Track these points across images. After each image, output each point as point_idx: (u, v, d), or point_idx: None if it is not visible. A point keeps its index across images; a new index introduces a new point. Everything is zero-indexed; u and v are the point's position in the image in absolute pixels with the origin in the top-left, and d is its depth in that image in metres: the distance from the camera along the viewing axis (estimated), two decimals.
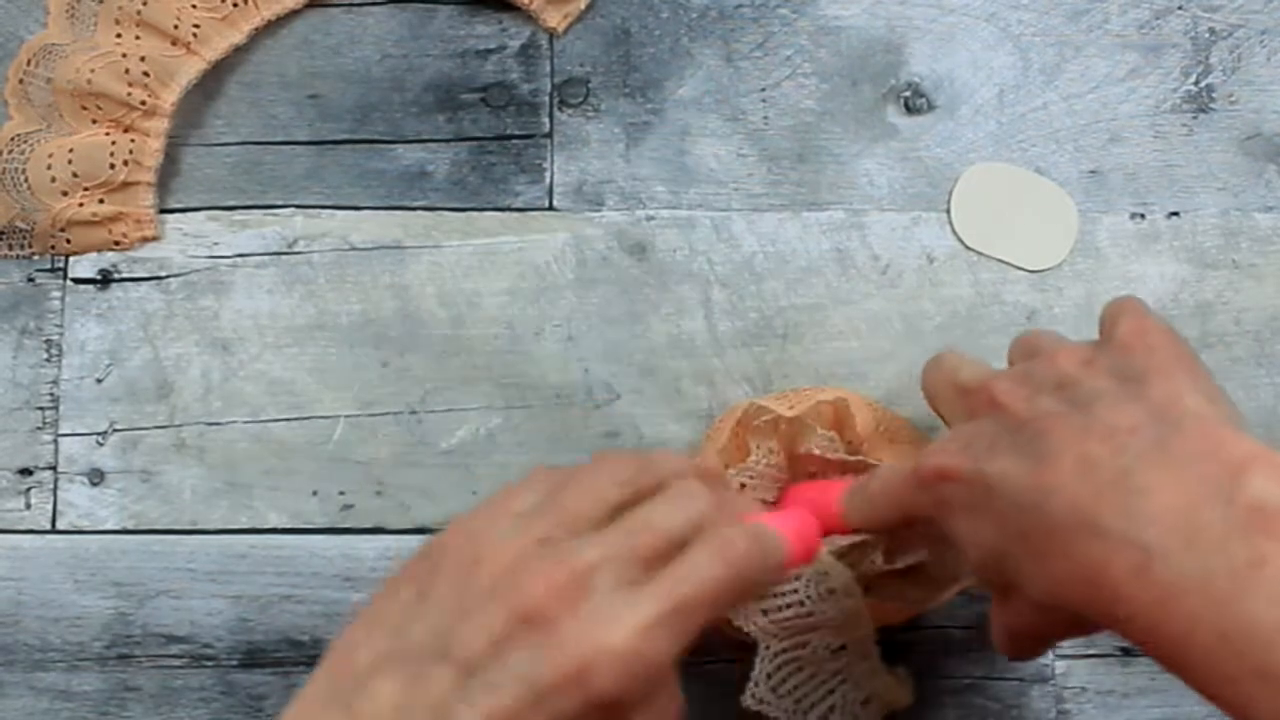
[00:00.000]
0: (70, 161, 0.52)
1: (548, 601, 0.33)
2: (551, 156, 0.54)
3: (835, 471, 0.47)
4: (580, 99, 0.55)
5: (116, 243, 0.53)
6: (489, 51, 0.55)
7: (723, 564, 0.35)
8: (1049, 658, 0.51)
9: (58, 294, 0.53)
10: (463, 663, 0.33)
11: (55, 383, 0.53)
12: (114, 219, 0.53)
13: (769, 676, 0.44)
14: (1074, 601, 0.35)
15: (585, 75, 0.55)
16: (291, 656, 0.51)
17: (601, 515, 0.36)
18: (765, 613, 0.45)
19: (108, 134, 0.53)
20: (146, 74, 0.52)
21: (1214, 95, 0.55)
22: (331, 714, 0.33)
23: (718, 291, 0.53)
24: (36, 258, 0.53)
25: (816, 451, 0.46)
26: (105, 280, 0.53)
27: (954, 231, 0.54)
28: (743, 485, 0.46)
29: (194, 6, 0.53)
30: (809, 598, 0.44)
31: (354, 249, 0.54)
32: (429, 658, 0.33)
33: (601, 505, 0.36)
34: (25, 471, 0.52)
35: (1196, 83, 0.55)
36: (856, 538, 0.45)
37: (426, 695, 0.32)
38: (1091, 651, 0.52)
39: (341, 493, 0.52)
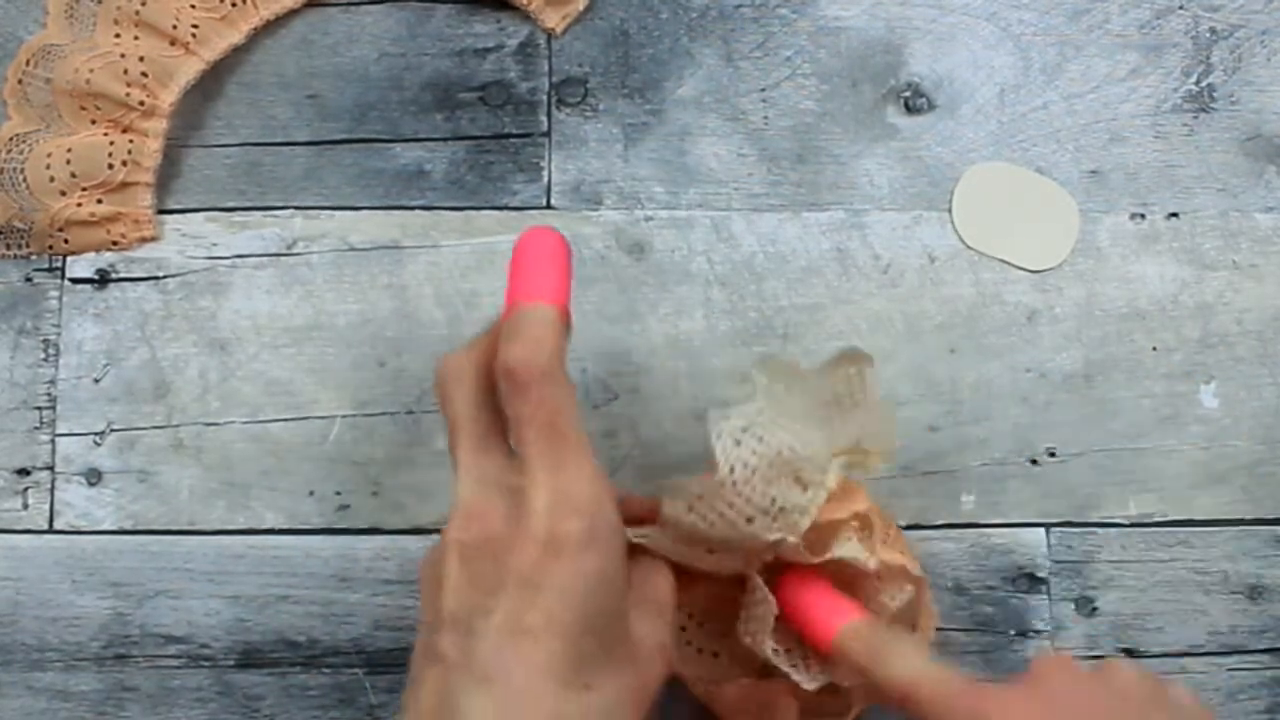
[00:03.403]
0: (69, 161, 0.52)
1: None
2: (549, 155, 0.54)
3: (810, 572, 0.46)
4: (579, 99, 0.55)
5: (115, 243, 0.53)
6: (487, 50, 0.55)
7: None
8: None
9: (55, 294, 0.53)
10: None
11: (52, 382, 0.53)
12: (112, 219, 0.53)
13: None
14: None
15: (584, 75, 0.55)
16: (288, 657, 0.51)
17: None
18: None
19: (106, 134, 0.53)
20: (145, 74, 0.52)
21: (1215, 95, 0.55)
22: None
23: (717, 291, 0.53)
24: (34, 257, 0.53)
25: (844, 557, 0.44)
26: (103, 280, 0.53)
27: (955, 231, 0.54)
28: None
29: (192, 7, 0.53)
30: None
31: (352, 249, 0.54)
32: None
33: None
34: (22, 471, 0.52)
35: (1197, 83, 0.55)
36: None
37: None
38: (1093, 653, 0.51)
39: (338, 493, 0.52)
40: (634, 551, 0.42)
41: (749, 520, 0.41)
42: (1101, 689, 0.41)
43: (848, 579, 0.45)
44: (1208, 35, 0.55)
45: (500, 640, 0.36)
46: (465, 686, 0.36)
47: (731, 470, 0.41)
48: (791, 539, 0.42)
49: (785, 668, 0.44)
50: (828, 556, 0.44)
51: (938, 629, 0.51)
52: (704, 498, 0.41)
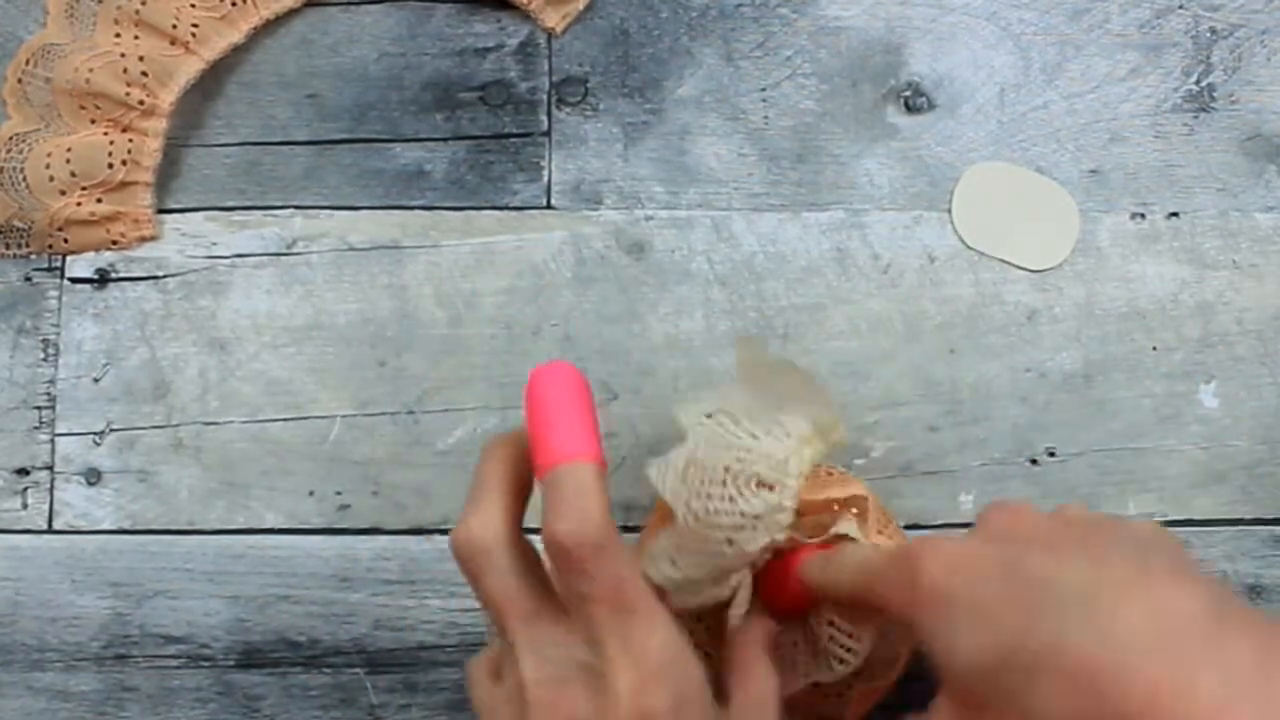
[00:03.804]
0: (68, 161, 0.52)
1: None
2: (550, 155, 0.54)
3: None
4: (579, 98, 0.55)
5: (114, 242, 0.53)
6: (487, 50, 0.55)
7: None
8: None
9: (55, 293, 0.53)
10: None
11: (52, 382, 0.53)
12: (112, 218, 0.53)
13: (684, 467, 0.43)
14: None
15: (584, 75, 0.55)
16: (288, 657, 0.51)
17: None
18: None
19: (106, 134, 0.53)
20: (145, 74, 0.52)
21: (1215, 95, 0.55)
22: None
23: (717, 291, 0.53)
24: (34, 257, 0.53)
25: (844, 533, 0.44)
26: (103, 280, 0.53)
27: (955, 231, 0.54)
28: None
29: (192, 6, 0.53)
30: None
31: (352, 249, 0.54)
32: None
33: None
34: (22, 471, 0.52)
35: (1197, 82, 0.55)
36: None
37: None
38: None
39: (338, 493, 0.52)
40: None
41: (729, 542, 0.41)
42: (1045, 520, 0.38)
43: None
44: (1208, 35, 0.55)
45: None
46: None
47: (688, 507, 0.41)
48: (780, 536, 0.42)
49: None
50: (828, 535, 0.44)
51: None
52: (681, 547, 0.41)
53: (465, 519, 0.37)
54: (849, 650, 0.44)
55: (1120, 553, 0.35)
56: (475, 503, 0.38)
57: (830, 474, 0.48)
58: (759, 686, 0.41)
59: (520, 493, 0.38)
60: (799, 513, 0.43)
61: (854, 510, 0.46)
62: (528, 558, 0.37)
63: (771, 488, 0.42)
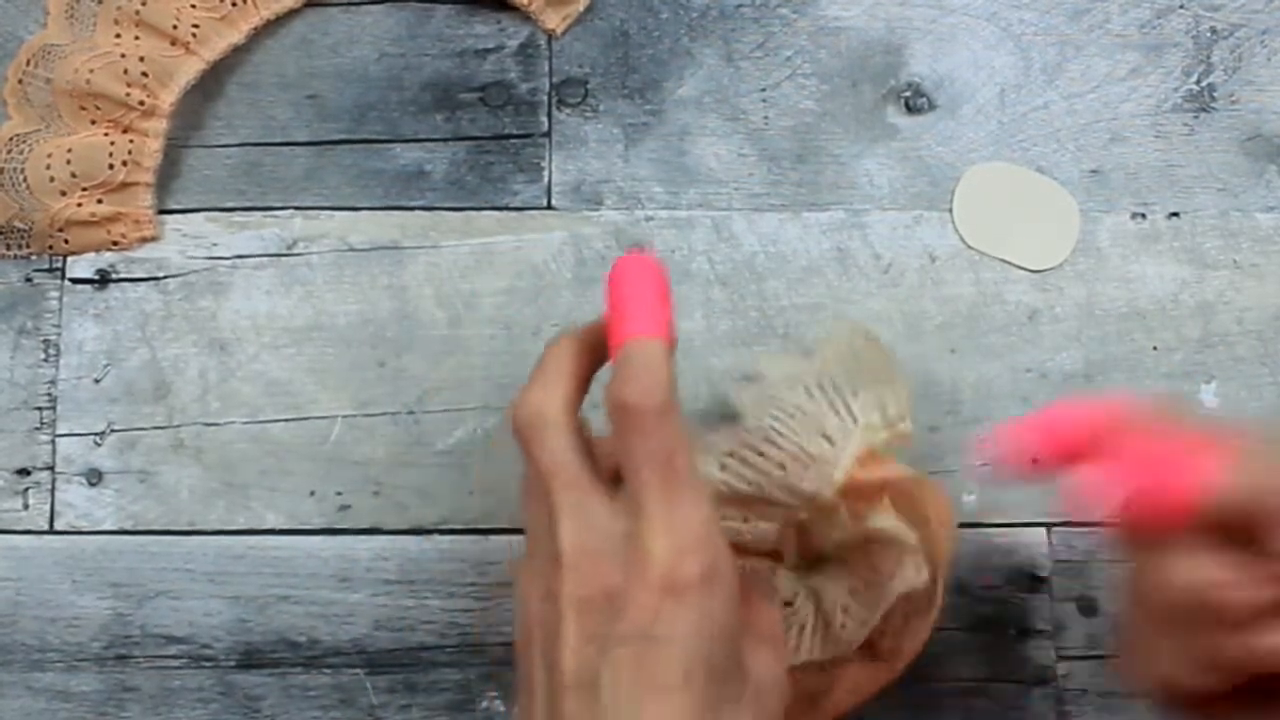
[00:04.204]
0: (69, 162, 0.52)
1: None
2: (550, 156, 0.54)
3: None
4: (579, 99, 0.55)
5: (115, 243, 0.53)
6: (487, 51, 0.55)
7: None
8: (1051, 658, 0.51)
9: (55, 294, 0.53)
10: None
11: (53, 383, 0.53)
12: (112, 219, 0.53)
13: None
14: None
15: (584, 76, 0.55)
16: (289, 657, 0.51)
17: None
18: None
19: (106, 134, 0.53)
20: (145, 74, 0.52)
21: (1215, 95, 0.55)
22: None
23: (717, 291, 0.53)
24: (34, 258, 0.53)
25: (883, 528, 0.45)
26: (103, 280, 0.53)
27: (956, 231, 0.54)
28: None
29: (193, 6, 0.53)
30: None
31: (352, 250, 0.54)
32: None
33: None
34: (23, 472, 0.52)
35: (1198, 82, 0.55)
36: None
37: None
38: (1094, 653, 0.51)
39: (339, 493, 0.52)
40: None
41: (781, 466, 0.42)
42: None
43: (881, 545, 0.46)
44: (1208, 35, 0.55)
45: (630, 700, 0.35)
46: None
47: (758, 420, 0.43)
48: (826, 492, 0.43)
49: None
50: (868, 525, 0.44)
51: (939, 629, 0.51)
52: (734, 453, 0.42)
53: (527, 394, 0.39)
54: (852, 630, 0.45)
55: None
56: (538, 379, 0.39)
57: (875, 455, 0.48)
58: (764, 620, 0.41)
59: (582, 382, 0.40)
60: (845, 493, 0.44)
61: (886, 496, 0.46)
62: (583, 438, 0.39)
63: (833, 443, 0.43)
